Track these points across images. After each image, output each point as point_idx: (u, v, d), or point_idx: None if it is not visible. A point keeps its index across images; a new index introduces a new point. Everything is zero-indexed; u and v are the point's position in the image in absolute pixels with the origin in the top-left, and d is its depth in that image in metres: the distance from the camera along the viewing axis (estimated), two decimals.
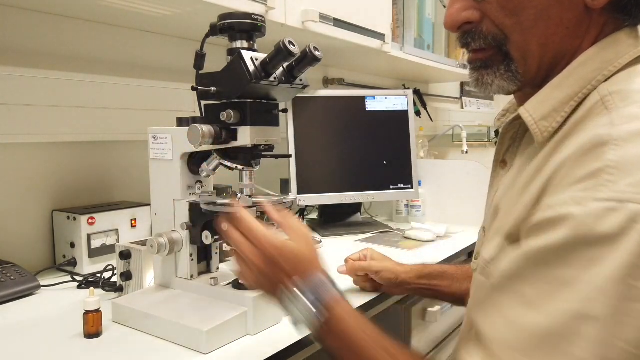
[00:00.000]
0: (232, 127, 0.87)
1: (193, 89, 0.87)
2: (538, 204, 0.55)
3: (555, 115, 0.60)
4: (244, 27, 0.86)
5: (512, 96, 0.77)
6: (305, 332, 0.67)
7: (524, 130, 0.68)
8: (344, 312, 0.66)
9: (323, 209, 1.78)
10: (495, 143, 0.78)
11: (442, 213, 1.82)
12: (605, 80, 0.58)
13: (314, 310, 0.65)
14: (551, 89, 0.61)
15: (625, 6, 0.60)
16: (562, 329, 0.48)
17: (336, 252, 1.44)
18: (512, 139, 0.70)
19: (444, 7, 0.70)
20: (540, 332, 0.49)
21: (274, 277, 0.69)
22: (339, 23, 1.51)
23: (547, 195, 0.54)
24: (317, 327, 0.65)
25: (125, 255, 1.01)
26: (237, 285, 0.91)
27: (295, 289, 0.66)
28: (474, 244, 0.98)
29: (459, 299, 0.99)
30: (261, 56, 0.83)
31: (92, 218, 1.20)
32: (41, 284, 1.08)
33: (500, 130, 0.75)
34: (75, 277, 1.16)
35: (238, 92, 0.83)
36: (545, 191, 0.54)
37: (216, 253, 1.01)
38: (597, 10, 0.60)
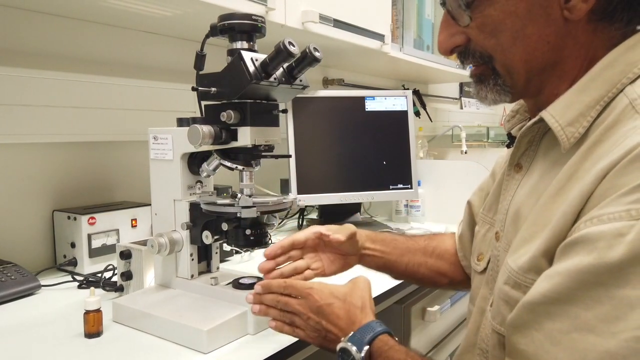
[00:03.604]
0: (232, 128, 0.88)
1: (193, 89, 0.87)
2: (581, 215, 0.52)
3: (582, 120, 0.59)
4: (244, 28, 0.87)
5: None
6: None
7: (542, 133, 0.67)
8: (387, 347, 0.68)
9: (323, 209, 1.78)
10: (508, 145, 0.77)
11: (442, 213, 1.82)
12: (631, 83, 0.58)
13: (359, 353, 0.68)
14: (576, 93, 0.61)
15: (612, 13, 0.59)
16: (631, 353, 0.45)
17: None
18: (529, 142, 0.69)
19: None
20: (607, 358, 0.46)
21: (323, 330, 0.74)
22: (338, 24, 1.51)
23: (593, 206, 0.51)
24: None
25: (125, 255, 1.02)
26: (237, 285, 0.91)
27: (342, 343, 0.70)
28: None
29: (411, 274, 0.97)
30: (261, 57, 0.83)
31: (93, 218, 1.20)
32: (42, 283, 1.09)
33: (513, 133, 0.75)
34: (75, 277, 1.16)
35: (238, 93, 0.83)
36: (589, 201, 0.52)
37: (216, 253, 1.01)
38: (582, 21, 0.60)
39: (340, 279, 0.83)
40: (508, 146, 0.76)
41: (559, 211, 0.55)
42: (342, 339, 0.70)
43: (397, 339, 0.69)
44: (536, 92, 0.66)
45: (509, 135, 0.76)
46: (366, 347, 0.67)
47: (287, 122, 1.63)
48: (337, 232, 0.87)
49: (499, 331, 0.63)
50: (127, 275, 1.02)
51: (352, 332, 0.70)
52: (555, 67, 0.63)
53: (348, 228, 0.89)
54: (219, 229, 0.92)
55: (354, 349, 0.68)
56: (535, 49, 0.62)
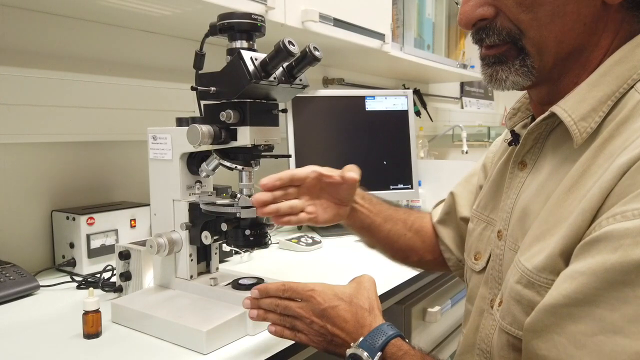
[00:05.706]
0: (232, 127, 0.87)
1: (193, 89, 0.87)
2: (600, 212, 0.51)
3: (594, 115, 0.58)
4: (244, 27, 0.86)
5: (519, 95, 0.75)
6: None
7: (549, 130, 0.66)
8: (401, 352, 0.66)
9: None
10: (510, 143, 0.75)
11: None
12: None
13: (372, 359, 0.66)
14: (588, 88, 0.60)
15: None
16: None
17: (336, 252, 1.44)
18: (535, 139, 0.68)
19: (457, 4, 0.70)
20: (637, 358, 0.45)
21: (328, 334, 0.71)
22: (338, 23, 1.50)
23: (613, 203, 0.50)
24: None
25: (124, 255, 1.01)
26: (236, 285, 0.91)
27: (353, 348, 0.68)
28: None
29: (390, 243, 0.95)
30: (261, 56, 0.83)
31: (92, 218, 1.20)
32: (40, 284, 1.08)
33: (516, 130, 0.74)
34: (74, 277, 1.15)
35: (237, 92, 0.83)
36: (608, 198, 0.51)
37: (215, 253, 1.01)
38: (614, 7, 0.59)
39: (343, 280, 0.82)
40: (510, 144, 0.75)
41: (577, 208, 0.54)
42: (352, 344, 0.68)
43: (408, 341, 0.67)
44: (556, 79, 0.64)
45: (513, 133, 0.75)
46: (379, 353, 0.65)
47: (287, 122, 1.62)
48: (347, 170, 0.83)
49: (509, 331, 0.61)
50: (126, 276, 1.01)
51: (362, 337, 0.68)
52: (582, 54, 0.61)
53: (353, 168, 0.84)
54: (218, 229, 0.92)
55: (365, 354, 0.66)
56: (571, 29, 0.60)
